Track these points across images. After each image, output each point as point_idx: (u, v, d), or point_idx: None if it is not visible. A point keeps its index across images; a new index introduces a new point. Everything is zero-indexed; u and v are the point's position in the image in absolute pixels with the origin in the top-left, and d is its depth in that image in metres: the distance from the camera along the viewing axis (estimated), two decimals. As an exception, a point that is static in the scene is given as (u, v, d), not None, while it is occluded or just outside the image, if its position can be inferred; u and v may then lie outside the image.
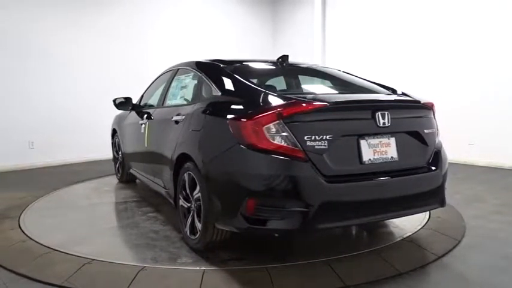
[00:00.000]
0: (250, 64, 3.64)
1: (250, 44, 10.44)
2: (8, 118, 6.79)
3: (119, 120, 5.54)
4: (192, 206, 3.02)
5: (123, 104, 4.66)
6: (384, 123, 2.65)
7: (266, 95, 2.68)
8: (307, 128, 2.46)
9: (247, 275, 2.62)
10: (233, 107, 2.78)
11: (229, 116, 2.66)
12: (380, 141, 2.69)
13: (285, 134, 2.42)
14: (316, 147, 2.44)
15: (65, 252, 2.98)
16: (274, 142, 2.42)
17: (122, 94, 4.87)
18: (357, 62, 9.03)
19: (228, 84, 3.02)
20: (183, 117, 3.24)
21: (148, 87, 4.89)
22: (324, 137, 2.46)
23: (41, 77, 7.16)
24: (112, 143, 5.93)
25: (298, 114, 2.46)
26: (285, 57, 3.59)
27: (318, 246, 3.21)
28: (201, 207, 2.82)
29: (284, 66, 3.67)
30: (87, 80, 7.76)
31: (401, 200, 2.76)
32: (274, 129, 2.43)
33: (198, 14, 9.49)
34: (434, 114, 3.07)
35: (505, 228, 3.56)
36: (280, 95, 2.72)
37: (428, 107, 3.03)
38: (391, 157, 2.72)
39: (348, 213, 2.57)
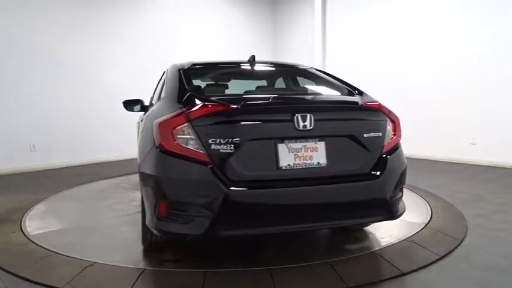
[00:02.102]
0: (213, 66, 3.68)
1: (250, 45, 10.47)
2: (9, 120, 6.81)
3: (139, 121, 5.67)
4: None
5: (131, 104, 4.65)
6: (304, 126, 2.46)
7: (190, 97, 2.63)
8: (213, 131, 2.39)
9: (249, 277, 2.62)
10: (162, 109, 2.77)
11: (154, 119, 2.68)
12: (304, 146, 2.51)
13: (192, 136, 2.39)
14: (221, 150, 2.37)
15: (66, 255, 2.98)
16: (182, 145, 2.40)
17: (126, 96, 4.87)
18: (357, 63, 9.04)
19: (171, 86, 3.01)
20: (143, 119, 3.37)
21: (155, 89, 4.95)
22: (230, 140, 2.38)
23: (42, 79, 7.16)
24: None
25: (205, 117, 2.41)
26: (252, 58, 3.54)
27: (320, 247, 3.21)
28: None
29: (246, 68, 3.68)
30: (89, 82, 7.77)
31: (329, 210, 2.57)
32: (182, 132, 2.41)
33: (201, 15, 9.53)
34: (389, 117, 2.78)
35: (507, 227, 3.55)
36: (203, 97, 2.65)
37: (373, 109, 2.76)
38: (318, 163, 2.52)
39: (256, 221, 2.46)
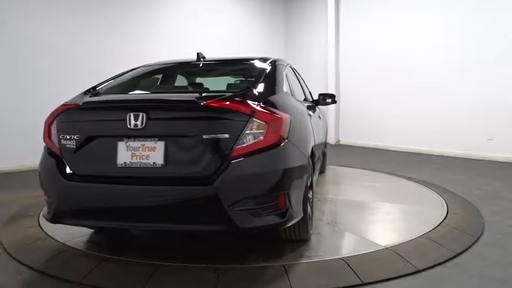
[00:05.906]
0: (154, 66, 3.94)
1: (261, 43, 10.49)
2: (24, 118, 6.89)
3: None
4: None
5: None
6: (135, 125, 2.48)
7: (83, 96, 2.92)
8: (64, 127, 2.70)
9: (263, 272, 2.62)
10: None
11: None
12: (143, 145, 2.52)
13: (55, 132, 2.72)
14: (67, 146, 2.65)
15: (83, 250, 3.03)
16: (50, 140, 2.75)
17: None
18: (372, 60, 8.96)
19: None
20: None
21: None
22: (73, 136, 2.63)
23: (57, 77, 7.22)
24: None
25: (61, 114, 2.74)
26: (199, 55, 3.72)
27: (334, 243, 3.19)
28: None
29: (188, 67, 4.01)
30: (95, 79, 7.81)
31: (158, 211, 2.52)
32: (51, 128, 2.76)
33: (209, 14, 9.51)
34: (255, 117, 2.46)
35: (526, 224, 3.49)
36: (87, 96, 2.93)
37: (218, 109, 2.51)
38: (154, 163, 2.49)
39: (91, 214, 2.66)
